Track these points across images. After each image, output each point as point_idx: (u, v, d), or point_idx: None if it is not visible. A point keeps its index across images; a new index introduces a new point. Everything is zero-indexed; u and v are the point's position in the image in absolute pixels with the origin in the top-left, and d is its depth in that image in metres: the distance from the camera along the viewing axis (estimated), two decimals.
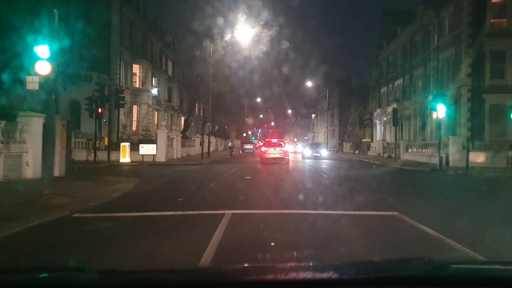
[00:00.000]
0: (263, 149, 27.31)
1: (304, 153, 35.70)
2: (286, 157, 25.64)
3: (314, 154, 33.87)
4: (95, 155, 25.63)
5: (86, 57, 30.33)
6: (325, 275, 1.86)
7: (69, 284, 1.86)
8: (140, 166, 22.57)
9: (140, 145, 27.18)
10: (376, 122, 48.47)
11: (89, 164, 24.38)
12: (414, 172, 22.08)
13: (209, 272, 2.21)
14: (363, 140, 48.67)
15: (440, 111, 22.75)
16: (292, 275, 1.89)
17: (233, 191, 11.76)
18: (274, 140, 28.82)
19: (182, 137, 33.85)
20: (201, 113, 60.02)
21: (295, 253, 5.50)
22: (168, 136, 29.60)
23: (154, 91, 41.23)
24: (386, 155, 38.65)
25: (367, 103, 56.41)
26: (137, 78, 35.54)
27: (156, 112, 40.16)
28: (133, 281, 1.90)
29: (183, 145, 34.01)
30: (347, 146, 55.51)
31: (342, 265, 2.37)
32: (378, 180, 16.84)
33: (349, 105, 68.65)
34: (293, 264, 3.29)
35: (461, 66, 29.79)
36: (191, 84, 37.92)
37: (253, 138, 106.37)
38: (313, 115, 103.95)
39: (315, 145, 39.22)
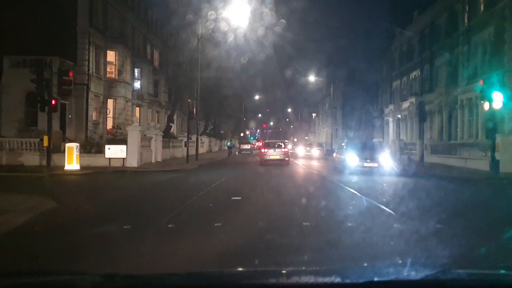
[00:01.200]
0: (263, 150, 25.42)
1: (348, 161, 18.27)
2: (286, 159, 24.09)
3: (366, 164, 17.74)
4: (48, 159, 19.61)
5: (41, 37, 24.37)
6: (327, 279, 1.81)
7: None
8: (90, 176, 16.39)
9: (106, 147, 21.12)
10: (388, 120, 42.46)
11: (36, 171, 18.32)
12: (469, 183, 15.89)
13: (211, 276, 2.06)
14: (374, 139, 42.65)
15: (497, 100, 16.77)
16: (295, 279, 1.85)
17: (198, 240, 5.67)
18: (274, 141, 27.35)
19: (164, 136, 27.78)
20: (193, 108, 54.10)
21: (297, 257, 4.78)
22: (144, 135, 23.58)
23: (137, 84, 35.22)
24: (404, 157, 32.63)
25: (375, 99, 50.44)
26: (113, 67, 29.47)
27: (137, 108, 34.10)
28: (136, 284, 1.84)
29: (166, 146, 27.94)
30: None
31: (344, 269, 2.54)
32: (443, 204, 10.53)
33: (354, 103, 62.78)
34: (295, 268, 2.89)
35: (504, 48, 23.79)
36: (176, 73, 31.84)
37: (252, 138, 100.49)
38: (313, 114, 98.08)
39: (365, 147, 20.47)
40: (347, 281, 1.82)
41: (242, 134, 71.11)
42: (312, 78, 53.84)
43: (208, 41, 35.62)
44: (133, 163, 21.01)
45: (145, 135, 23.86)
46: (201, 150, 41.14)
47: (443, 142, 28.53)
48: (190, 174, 18.40)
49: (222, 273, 2.22)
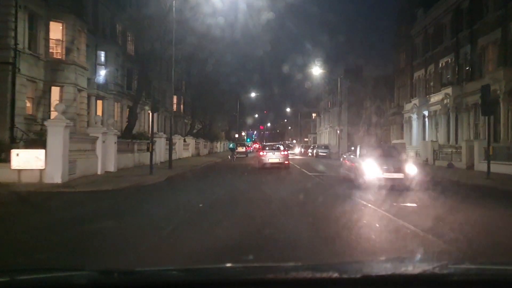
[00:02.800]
0: (261, 153, 23.63)
1: None
2: (286, 162, 22.49)
3: None
4: None
5: None
6: (325, 275, 1.75)
7: (69, 284, 1.75)
8: None
9: (13, 152, 13.14)
10: (410, 117, 34.55)
11: None
12: None
13: (209, 271, 1.99)
14: (394, 141, 34.70)
15: None
16: (293, 274, 1.80)
17: None
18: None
19: (124, 137, 19.82)
20: (181, 107, 46.19)
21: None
22: (72, 133, 15.65)
23: (102, 72, 27.31)
24: (441, 163, 24.78)
25: (390, 95, 42.58)
26: (60, 44, 21.48)
27: (100, 101, 26.14)
28: (133, 280, 1.78)
29: (126, 150, 19.99)
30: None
31: (342, 264, 2.37)
32: None
33: (362, 100, 55.13)
34: (293, 263, 2.50)
35: None
36: (145, 52, 23.69)
37: (248, 140, 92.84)
38: (313, 114, 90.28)
39: None
40: (345, 276, 1.77)
41: (236, 135, 63.10)
42: (315, 70, 45.78)
43: (197, 29, 28.23)
44: (55, 177, 13.03)
45: (72, 133, 15.93)
46: (185, 154, 33.25)
47: (505, 144, 20.61)
48: (135, 199, 10.40)
49: (220, 268, 2.16)
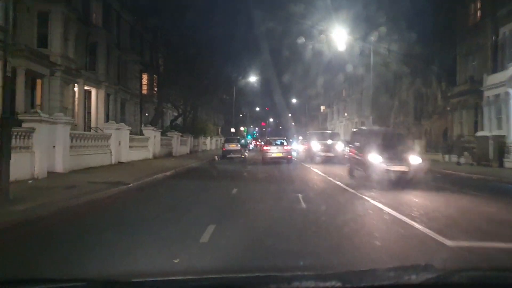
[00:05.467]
0: (265, 148, 23.05)
1: None
2: (289, 156, 22.43)
3: None
4: None
5: None
6: (328, 284, 1.73)
7: None
8: None
9: None
10: (501, 95, 21.22)
11: None
12: None
13: (212, 282, 1.95)
14: (480, 134, 21.22)
15: None
16: (295, 284, 1.75)
17: None
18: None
19: None
20: (153, 89, 32.97)
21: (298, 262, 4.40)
22: None
23: None
24: None
25: (447, 67, 29.40)
26: None
27: None
28: None
29: None
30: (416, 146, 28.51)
31: (345, 273, 2.33)
32: None
33: (391, 83, 42.06)
34: (296, 273, 2.60)
35: None
36: None
37: (249, 136, 79.64)
38: (322, 107, 76.99)
39: None
40: (348, 285, 1.74)
41: (233, 130, 49.90)
42: (335, 37, 31.95)
43: None
44: None
45: None
46: (138, 155, 19.90)
47: None
48: None
49: (222, 279, 2.05)
